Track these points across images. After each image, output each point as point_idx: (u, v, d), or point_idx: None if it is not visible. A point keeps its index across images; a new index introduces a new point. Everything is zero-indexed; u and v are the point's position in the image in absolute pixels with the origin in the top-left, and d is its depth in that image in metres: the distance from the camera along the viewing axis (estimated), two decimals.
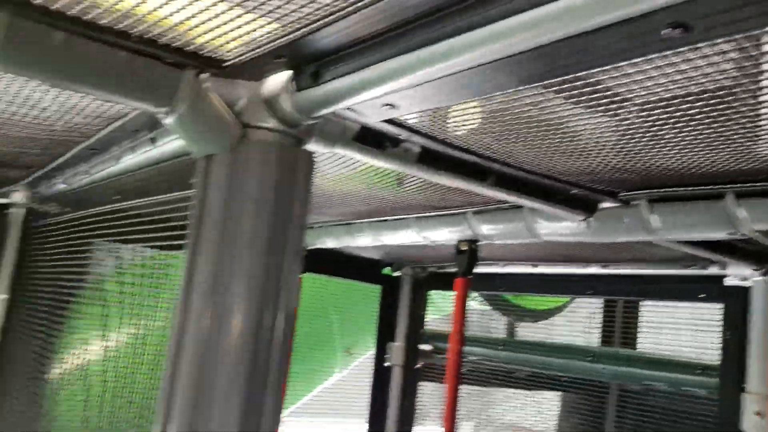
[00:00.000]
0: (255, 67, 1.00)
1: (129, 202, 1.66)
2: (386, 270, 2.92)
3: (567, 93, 0.97)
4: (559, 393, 3.45)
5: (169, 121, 1.02)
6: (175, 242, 1.49)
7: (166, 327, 1.88)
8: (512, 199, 1.40)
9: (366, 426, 3.05)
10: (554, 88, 0.96)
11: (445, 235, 1.88)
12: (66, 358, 2.19)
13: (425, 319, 3.02)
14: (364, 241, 2.18)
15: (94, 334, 2.17)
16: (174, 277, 1.82)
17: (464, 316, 1.97)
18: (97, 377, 2.14)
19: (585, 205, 1.47)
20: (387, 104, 1.00)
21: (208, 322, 1.00)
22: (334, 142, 1.15)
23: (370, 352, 3.35)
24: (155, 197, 1.45)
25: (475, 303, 3.76)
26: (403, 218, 1.96)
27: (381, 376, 2.96)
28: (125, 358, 2.11)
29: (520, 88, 0.88)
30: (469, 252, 1.82)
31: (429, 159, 1.24)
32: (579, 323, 3.58)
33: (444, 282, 2.94)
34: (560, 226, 1.56)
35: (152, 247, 1.70)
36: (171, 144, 1.34)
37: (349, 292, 3.37)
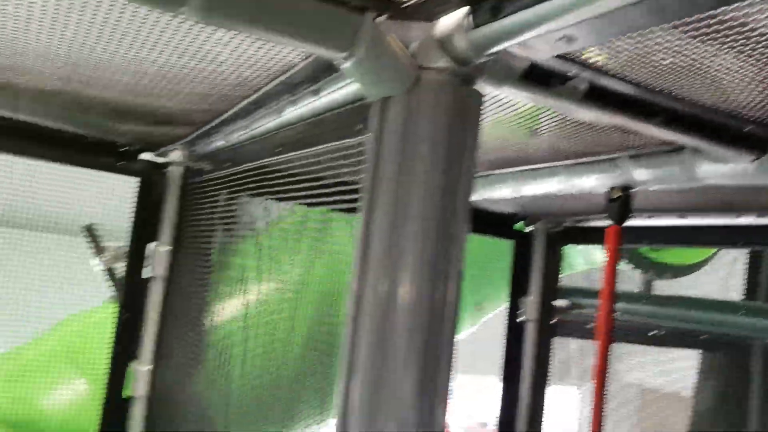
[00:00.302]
0: (429, 6, 1.02)
1: (286, 156, 1.74)
2: (518, 225, 2.89)
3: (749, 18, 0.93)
4: (699, 352, 3.33)
5: (347, 65, 1.05)
6: (332, 192, 1.55)
7: (322, 280, 1.96)
8: (678, 138, 1.35)
9: (500, 383, 3.06)
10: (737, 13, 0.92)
11: (593, 182, 1.84)
12: (224, 309, 2.34)
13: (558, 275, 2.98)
14: (503, 193, 2.17)
15: (250, 287, 2.29)
16: (333, 231, 1.89)
17: (616, 269, 1.91)
18: (253, 328, 2.26)
19: (757, 144, 1.40)
20: (564, 37, 0.99)
21: (386, 280, 1.02)
22: (502, 81, 1.15)
23: (501, 308, 3.36)
24: (318, 147, 1.51)
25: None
26: (549, 167, 1.94)
27: (514, 332, 2.96)
28: (279, 310, 2.22)
29: (717, 10, 0.85)
30: (623, 199, 1.78)
31: (595, 96, 1.22)
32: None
33: (580, 237, 2.89)
34: (726, 168, 1.49)
35: (306, 201, 1.77)
36: (334, 95, 1.38)
37: (479, 247, 3.38)
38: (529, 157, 1.96)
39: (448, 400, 1.05)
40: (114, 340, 2.28)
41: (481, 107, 1.10)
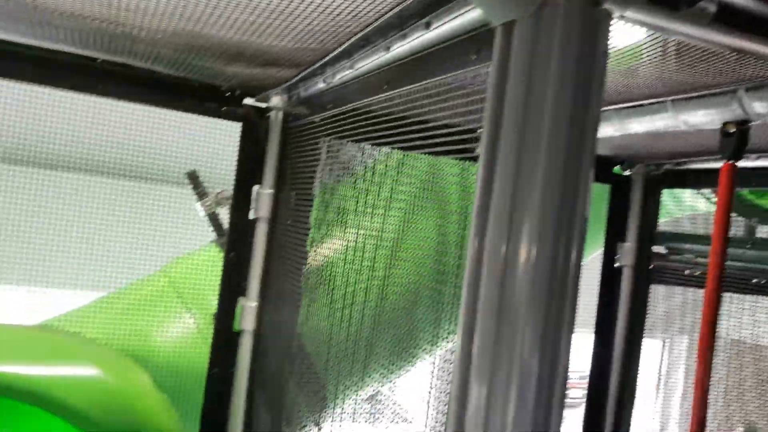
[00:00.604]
0: None
1: (390, 94, 1.75)
2: (616, 169, 2.84)
3: None
4: None
5: None
6: (437, 134, 1.55)
7: (427, 222, 1.98)
8: None
9: (592, 332, 3.01)
10: None
11: (705, 118, 1.78)
12: (324, 249, 2.41)
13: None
14: (606, 132, 2.13)
15: (350, 229, 2.35)
16: (437, 175, 1.90)
17: (730, 210, 1.82)
18: (352, 268, 2.32)
19: None
20: None
21: (507, 233, 0.96)
22: (628, 2, 1.12)
23: (594, 255, 3.32)
24: (427, 81, 1.52)
25: (703, 203, 3.56)
26: (656, 102, 1.89)
27: (610, 278, 2.92)
28: (379, 252, 2.27)
29: None
30: (739, 134, 1.71)
31: (724, 18, 1.17)
32: None
33: (680, 180, 2.81)
34: None
35: (408, 144, 1.77)
36: (446, 26, 1.38)
37: None
38: (635, 92, 1.91)
39: (570, 359, 1.00)
40: (222, 278, 2.39)
41: (610, 30, 1.08)
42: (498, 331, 0.97)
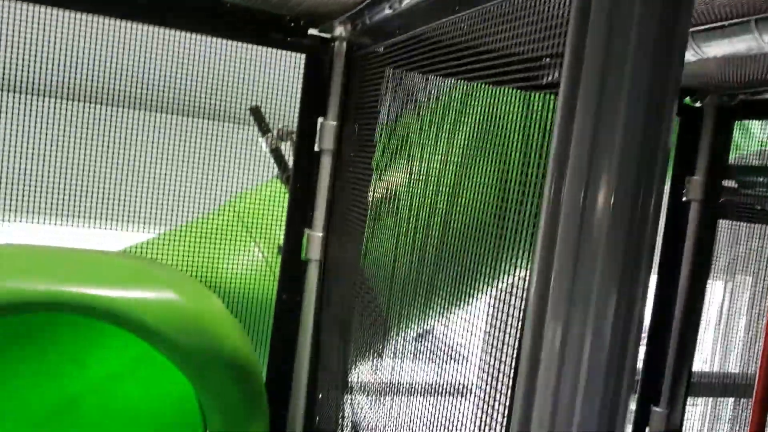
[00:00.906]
0: None
1: (458, 16, 1.72)
2: (687, 100, 2.75)
3: None
4: None
5: None
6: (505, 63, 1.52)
7: (490, 158, 1.96)
8: None
9: (655, 278, 2.96)
10: None
11: None
12: (386, 183, 2.42)
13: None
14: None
15: (413, 162, 2.35)
16: (503, 108, 1.86)
17: None
18: (413, 202, 2.33)
19: None
20: None
21: (587, 173, 0.92)
22: None
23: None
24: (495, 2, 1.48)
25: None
26: (739, 22, 1.81)
27: (677, 213, 2.87)
28: (441, 187, 2.27)
29: None
30: None
31: None
32: None
33: (755, 111, 2.71)
34: None
35: (473, 75, 1.74)
36: None
37: None
38: (715, 12, 1.83)
39: (646, 300, 0.98)
40: (288, 209, 2.44)
41: None
42: (575, 271, 0.94)
